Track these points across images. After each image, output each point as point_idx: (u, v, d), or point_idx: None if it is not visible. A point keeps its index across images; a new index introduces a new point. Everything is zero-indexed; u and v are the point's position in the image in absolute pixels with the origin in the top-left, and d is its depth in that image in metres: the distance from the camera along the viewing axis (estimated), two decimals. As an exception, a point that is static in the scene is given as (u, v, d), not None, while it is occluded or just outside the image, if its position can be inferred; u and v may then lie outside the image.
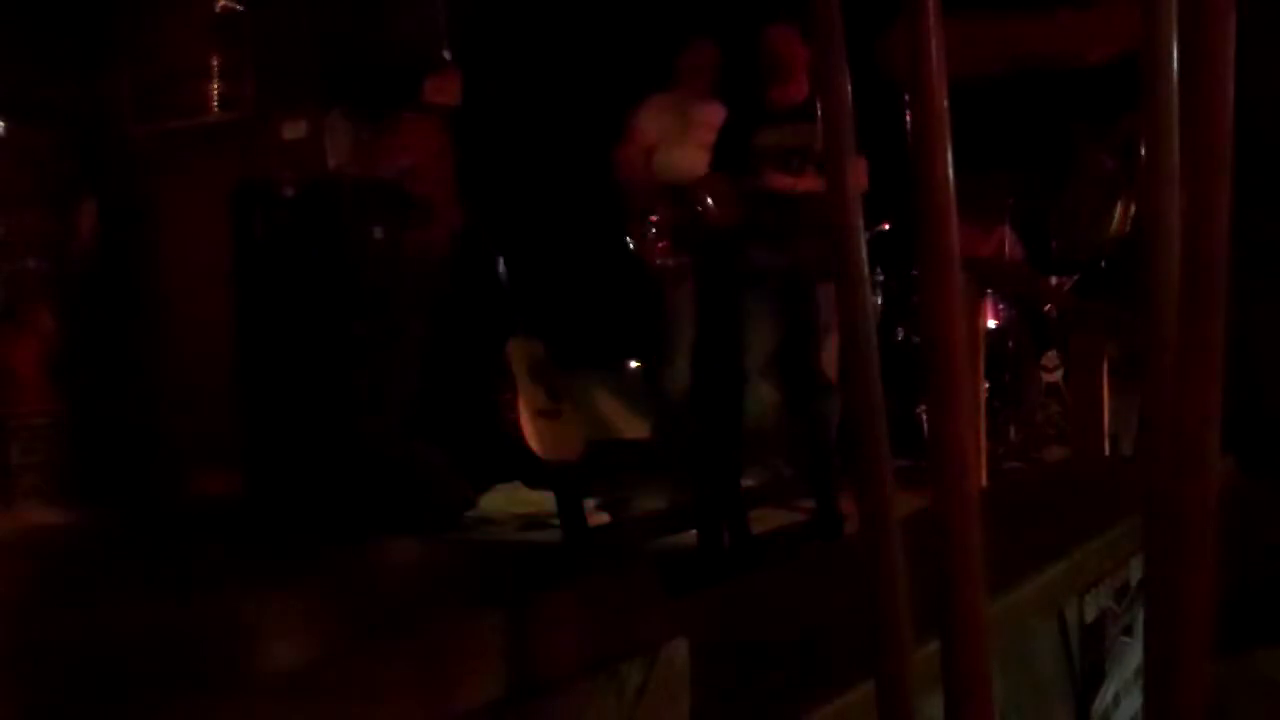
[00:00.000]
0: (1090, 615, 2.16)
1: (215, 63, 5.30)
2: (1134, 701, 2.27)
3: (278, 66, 5.24)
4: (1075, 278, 5.90)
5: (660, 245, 4.98)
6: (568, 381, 5.05)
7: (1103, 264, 5.73)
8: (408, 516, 4.34)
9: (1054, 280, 5.99)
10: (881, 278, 6.10)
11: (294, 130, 5.14)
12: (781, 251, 4.61)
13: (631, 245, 5.14)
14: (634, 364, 5.96)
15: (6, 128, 5.11)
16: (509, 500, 5.17)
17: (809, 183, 4.39)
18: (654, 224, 4.96)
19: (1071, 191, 5.77)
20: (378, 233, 4.76)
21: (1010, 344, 6.26)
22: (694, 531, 4.51)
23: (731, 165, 4.75)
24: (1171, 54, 0.84)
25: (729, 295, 4.69)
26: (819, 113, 0.96)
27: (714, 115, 5.03)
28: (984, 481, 4.25)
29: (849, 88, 0.94)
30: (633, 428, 5.48)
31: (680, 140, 5.07)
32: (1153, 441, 0.87)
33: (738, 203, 4.69)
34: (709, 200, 4.61)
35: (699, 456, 4.65)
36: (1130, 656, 2.29)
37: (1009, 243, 6.30)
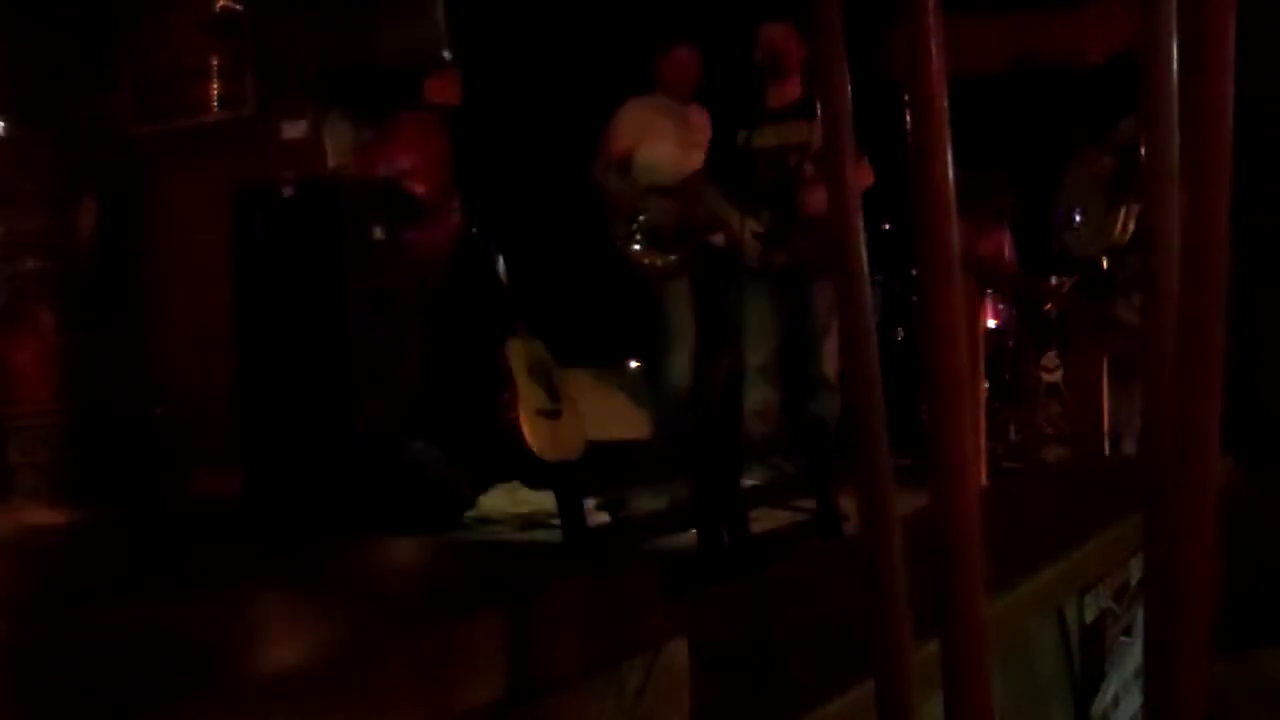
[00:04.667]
0: (1090, 615, 2.16)
1: (215, 63, 5.30)
2: (1134, 701, 2.27)
3: (278, 66, 5.24)
4: (1075, 278, 5.89)
5: (646, 250, 4.94)
6: (568, 381, 5.04)
7: (1104, 265, 5.73)
8: (408, 516, 4.34)
9: (1054, 280, 5.99)
10: (881, 278, 6.10)
11: (294, 130, 5.14)
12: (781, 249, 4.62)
13: (618, 247, 5.12)
14: (634, 364, 5.96)
15: (6, 128, 5.11)
16: (509, 500, 5.17)
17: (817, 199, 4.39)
18: (636, 228, 4.93)
19: (1066, 191, 5.78)
20: (378, 233, 4.75)
21: (1010, 344, 6.25)
22: (694, 531, 4.50)
23: (729, 166, 4.75)
24: (1171, 54, 0.84)
25: (725, 294, 4.68)
26: (818, 111, 0.97)
27: (702, 118, 5.05)
28: (984, 481, 4.25)
29: (849, 87, 0.94)
30: (632, 428, 5.48)
31: (668, 139, 5.05)
32: (1153, 441, 0.87)
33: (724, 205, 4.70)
34: (695, 201, 4.61)
35: (699, 456, 4.64)
36: (1130, 656, 2.29)
37: (1009, 243, 6.30)
